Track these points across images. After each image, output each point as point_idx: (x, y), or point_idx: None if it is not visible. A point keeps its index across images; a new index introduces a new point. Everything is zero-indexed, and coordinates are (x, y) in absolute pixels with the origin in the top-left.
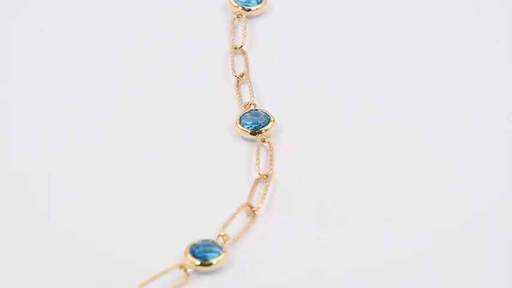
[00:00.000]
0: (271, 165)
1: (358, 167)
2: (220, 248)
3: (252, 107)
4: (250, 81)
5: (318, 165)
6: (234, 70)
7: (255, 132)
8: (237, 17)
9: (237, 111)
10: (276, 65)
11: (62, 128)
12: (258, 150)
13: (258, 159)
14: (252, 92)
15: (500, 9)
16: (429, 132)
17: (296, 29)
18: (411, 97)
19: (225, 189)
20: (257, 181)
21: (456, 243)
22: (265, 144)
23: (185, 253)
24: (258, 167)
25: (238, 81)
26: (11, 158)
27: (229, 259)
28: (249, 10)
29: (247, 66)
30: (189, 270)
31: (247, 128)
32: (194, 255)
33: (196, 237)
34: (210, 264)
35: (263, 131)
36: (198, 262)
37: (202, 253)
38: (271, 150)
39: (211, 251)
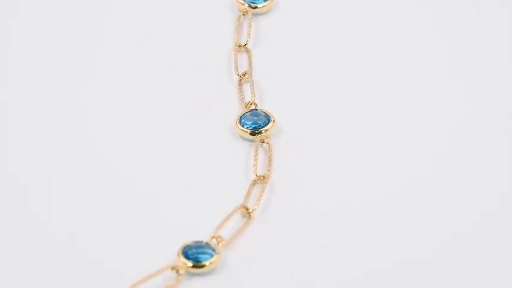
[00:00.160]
0: (269, 166)
1: (358, 167)
2: (213, 249)
3: (253, 107)
4: (252, 80)
5: (318, 165)
6: (236, 69)
7: (254, 132)
8: (243, 15)
9: (239, 111)
10: (280, 64)
11: (62, 128)
12: (256, 151)
13: (255, 160)
14: (254, 91)
15: (500, 9)
16: (429, 132)
17: (302, 27)
18: (411, 97)
19: (223, 190)
20: (254, 182)
21: (456, 243)
22: (264, 145)
23: (178, 254)
24: (256, 168)
25: (240, 80)
26: (11, 158)
27: (222, 261)
28: (255, 8)
29: (250, 65)
30: (181, 271)
31: (247, 128)
32: (187, 256)
33: (192, 238)
34: (203, 266)
35: (263, 132)
36: (190, 263)
37: (195, 254)
38: (270, 151)
39: (204, 253)
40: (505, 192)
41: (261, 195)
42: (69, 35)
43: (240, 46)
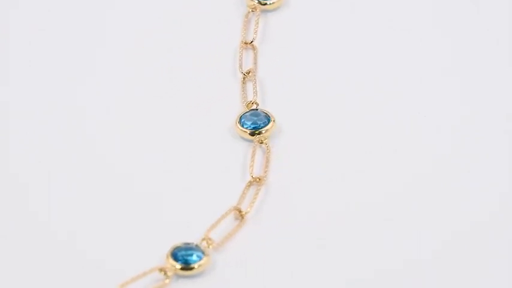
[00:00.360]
0: (266, 167)
1: (358, 167)
2: (203, 252)
3: (254, 106)
4: (255, 78)
5: (317, 165)
6: (240, 66)
7: (254, 133)
8: (252, 11)
9: (240, 110)
10: (285, 62)
11: (62, 128)
12: (253, 152)
13: (252, 161)
14: (256, 90)
15: (500, 9)
16: (429, 132)
17: (309, 26)
18: (411, 97)
19: (220, 191)
20: (250, 184)
21: (456, 243)
22: (263, 145)
23: (167, 256)
24: (252, 170)
25: (244, 78)
26: (11, 158)
27: (212, 263)
28: (264, 4)
29: (255, 63)
30: (169, 273)
31: (247, 128)
32: (176, 258)
33: (185, 239)
34: (192, 268)
35: (262, 132)
36: (179, 266)
37: (184, 257)
38: (268, 152)
39: (193, 255)
40: (505, 192)
41: (255, 198)
42: (69, 35)
43: (246, 43)
